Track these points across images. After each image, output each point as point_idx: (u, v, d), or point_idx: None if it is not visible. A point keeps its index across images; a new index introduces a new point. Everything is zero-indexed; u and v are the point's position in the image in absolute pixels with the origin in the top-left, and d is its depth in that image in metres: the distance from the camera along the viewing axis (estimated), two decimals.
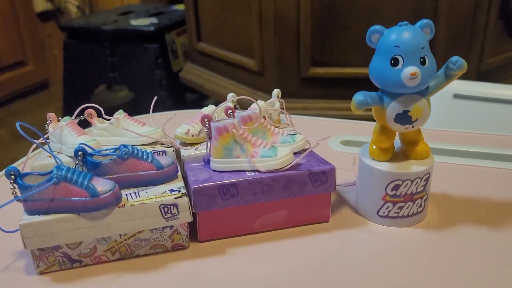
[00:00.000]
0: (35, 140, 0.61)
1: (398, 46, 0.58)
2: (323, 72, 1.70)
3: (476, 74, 1.68)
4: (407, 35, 0.58)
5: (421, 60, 0.58)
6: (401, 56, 0.58)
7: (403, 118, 0.61)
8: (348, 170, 0.82)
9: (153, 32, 2.37)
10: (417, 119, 0.61)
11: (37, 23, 3.31)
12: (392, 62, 0.58)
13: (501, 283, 0.55)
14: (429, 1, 1.57)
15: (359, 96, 0.60)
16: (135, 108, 2.81)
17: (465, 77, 1.72)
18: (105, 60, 2.46)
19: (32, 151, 0.67)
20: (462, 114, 1.34)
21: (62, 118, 0.71)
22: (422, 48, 0.58)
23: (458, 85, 1.38)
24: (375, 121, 0.66)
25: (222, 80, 2.05)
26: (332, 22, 1.64)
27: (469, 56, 1.65)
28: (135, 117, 0.96)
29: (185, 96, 2.73)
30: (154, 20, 2.48)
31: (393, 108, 0.60)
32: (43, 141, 0.66)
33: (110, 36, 2.41)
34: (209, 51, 2.08)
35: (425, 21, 0.60)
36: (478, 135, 0.96)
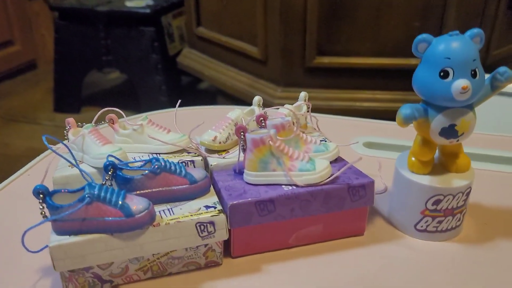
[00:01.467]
0: (58, 152, 0.57)
1: (449, 58, 0.55)
2: (328, 61, 1.67)
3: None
4: (458, 46, 0.55)
5: (472, 72, 0.55)
6: (452, 69, 0.55)
7: (449, 132, 0.58)
8: (375, 176, 0.79)
9: (149, 14, 2.29)
10: (463, 133, 0.58)
11: (25, 1, 3.18)
12: (442, 74, 0.55)
13: None
14: None
15: (405, 110, 0.57)
16: (129, 92, 2.75)
17: None
18: (99, 43, 2.38)
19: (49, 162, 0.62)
20: (487, 110, 1.32)
21: (82, 124, 0.67)
22: (474, 60, 0.55)
23: None
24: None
25: (222, 67, 1.99)
26: (339, 11, 1.59)
27: None
28: (155, 112, 0.92)
29: (180, 79, 2.67)
30: (149, 1, 2.40)
31: (439, 121, 0.58)
32: (66, 149, 0.62)
33: (103, 17, 2.33)
34: (209, 36, 2.01)
35: (475, 30, 0.57)
36: (502, 138, 0.94)
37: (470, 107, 0.58)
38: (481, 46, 0.57)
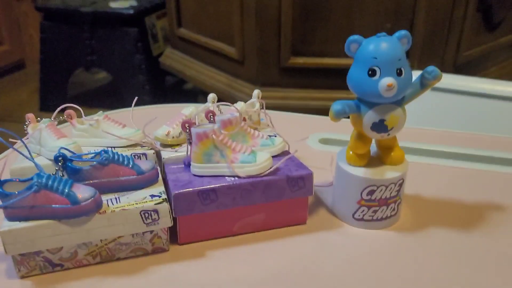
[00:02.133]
0: (14, 147, 0.60)
1: (376, 58, 0.59)
2: (303, 62, 1.71)
3: (453, 66, 1.71)
4: (385, 47, 0.59)
5: (398, 71, 0.60)
6: (378, 67, 0.59)
7: (379, 126, 0.62)
8: (326, 170, 0.84)
9: (133, 15, 2.34)
10: (392, 127, 0.63)
11: (13, 1, 3.21)
12: (370, 72, 0.60)
13: (473, 285, 0.58)
14: None
15: (337, 106, 0.62)
16: (114, 92, 2.78)
17: (441, 69, 1.74)
18: (83, 43, 2.42)
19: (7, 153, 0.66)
20: (438, 107, 1.36)
21: (41, 119, 0.71)
22: (399, 59, 0.60)
23: None
24: None
25: (202, 67, 2.04)
26: (313, 12, 1.64)
27: (446, 48, 1.67)
28: (116, 111, 0.96)
29: (164, 80, 2.71)
30: (133, 2, 2.44)
31: (369, 117, 0.62)
32: (21, 142, 0.65)
33: (88, 18, 2.37)
34: (189, 37, 2.06)
35: (402, 32, 0.61)
36: (452, 134, 0.99)
37: (399, 103, 0.63)
38: (408, 47, 0.61)
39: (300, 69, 1.73)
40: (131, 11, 2.33)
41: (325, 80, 1.74)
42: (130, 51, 2.38)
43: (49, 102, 2.64)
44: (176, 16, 2.11)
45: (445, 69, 1.68)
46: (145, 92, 2.42)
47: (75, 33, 2.42)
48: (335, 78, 1.73)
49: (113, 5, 2.39)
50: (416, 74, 0.63)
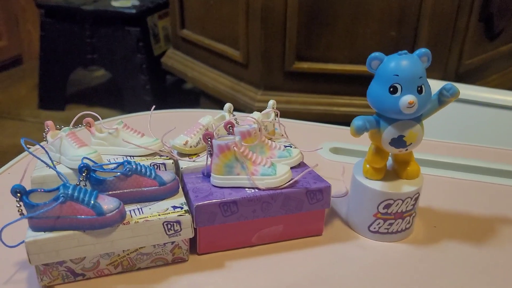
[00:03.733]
0: (37, 156, 0.61)
1: (397, 75, 0.60)
2: (307, 67, 1.72)
3: (455, 75, 1.73)
4: (406, 64, 0.61)
5: (418, 88, 0.61)
6: (400, 85, 0.60)
7: (398, 142, 0.64)
8: (338, 180, 0.85)
9: (135, 14, 2.33)
10: (411, 143, 0.64)
11: None
12: (391, 89, 0.61)
13: None
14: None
15: (358, 121, 0.63)
16: (113, 90, 2.78)
17: (444, 78, 1.77)
18: (84, 42, 2.41)
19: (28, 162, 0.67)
20: (439, 115, 1.38)
21: (61, 126, 0.71)
22: (420, 77, 0.61)
23: (437, 86, 1.42)
24: None
25: (205, 69, 2.04)
26: (318, 18, 1.65)
27: (449, 57, 1.69)
28: (131, 115, 0.96)
29: (165, 79, 2.71)
30: (135, 1, 2.43)
31: (389, 132, 0.63)
32: (43, 150, 0.66)
33: (89, 16, 2.36)
34: (193, 38, 2.06)
35: (423, 50, 0.62)
36: (460, 146, 1.01)
37: (418, 119, 0.64)
38: (427, 65, 0.63)
39: (304, 74, 1.74)
40: (133, 11, 2.33)
41: (328, 86, 1.75)
42: (131, 51, 2.38)
43: (48, 100, 2.63)
44: (180, 17, 2.11)
45: (447, 78, 1.70)
46: (145, 92, 2.42)
47: (76, 31, 2.41)
48: (339, 84, 1.75)
49: (115, 4, 2.39)
50: None
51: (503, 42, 1.94)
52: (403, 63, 0.61)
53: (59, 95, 2.62)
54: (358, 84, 1.80)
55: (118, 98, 2.56)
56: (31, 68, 3.17)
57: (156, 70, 2.44)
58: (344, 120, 1.38)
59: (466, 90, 1.36)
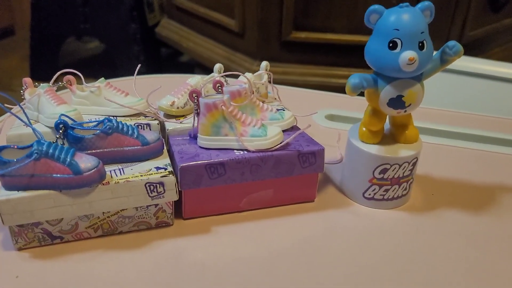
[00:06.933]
0: (12, 112, 0.57)
1: (398, 29, 0.56)
2: (305, 36, 1.67)
3: None
4: (407, 18, 0.56)
5: (420, 44, 0.57)
6: (400, 40, 0.56)
7: (397, 102, 0.60)
8: (333, 147, 0.81)
9: None
10: (410, 104, 0.60)
11: None
12: (390, 45, 0.57)
13: (480, 266, 0.57)
14: None
15: (354, 79, 0.59)
16: (107, 62, 2.71)
17: None
18: (77, 10, 2.34)
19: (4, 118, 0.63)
20: (442, 87, 1.34)
21: (39, 84, 0.67)
22: (422, 32, 0.57)
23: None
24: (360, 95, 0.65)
25: (200, 39, 1.98)
26: None
27: (452, 27, 1.64)
28: (118, 79, 0.92)
29: (160, 51, 2.64)
30: None
31: (387, 92, 0.59)
32: (19, 108, 0.62)
33: None
34: (187, 7, 1.99)
35: (426, 3, 0.58)
36: (461, 115, 0.97)
37: (418, 79, 0.60)
38: (430, 20, 0.58)
39: (301, 44, 1.69)
40: None
41: (326, 57, 1.70)
42: (124, 20, 2.31)
43: (39, 71, 2.57)
44: None
45: None
46: (140, 63, 2.36)
47: None
48: (337, 55, 1.69)
49: None
50: None
51: (507, 15, 1.88)
52: (404, 17, 0.57)
53: (51, 65, 2.56)
54: (357, 55, 1.74)
55: (111, 70, 2.51)
56: (22, 38, 3.09)
57: (150, 40, 2.38)
58: (342, 91, 1.34)
59: (469, 63, 1.32)
